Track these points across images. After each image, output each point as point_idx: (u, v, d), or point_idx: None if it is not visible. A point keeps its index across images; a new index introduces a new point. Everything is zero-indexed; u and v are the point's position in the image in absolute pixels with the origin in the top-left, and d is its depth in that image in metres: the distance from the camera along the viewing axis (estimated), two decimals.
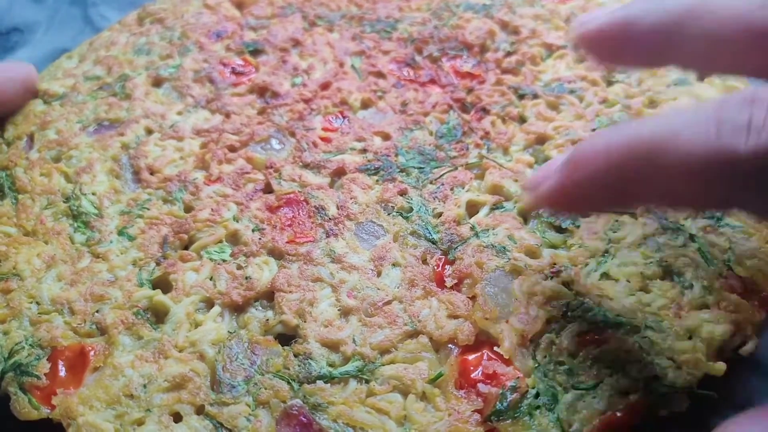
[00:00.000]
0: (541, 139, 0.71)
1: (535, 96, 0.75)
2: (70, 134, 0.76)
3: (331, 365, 0.55)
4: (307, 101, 0.78)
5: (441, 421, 0.51)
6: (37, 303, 0.61)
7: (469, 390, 0.53)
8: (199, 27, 0.89)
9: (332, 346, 0.56)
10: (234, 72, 0.83)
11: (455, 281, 0.59)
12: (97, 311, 0.60)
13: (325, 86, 0.79)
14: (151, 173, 0.71)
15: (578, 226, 0.62)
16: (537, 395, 0.52)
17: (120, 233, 0.66)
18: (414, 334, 0.57)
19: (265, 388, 0.54)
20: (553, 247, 0.61)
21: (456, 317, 0.57)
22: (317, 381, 0.54)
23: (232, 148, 0.73)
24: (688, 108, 0.49)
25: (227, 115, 0.77)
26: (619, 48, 0.53)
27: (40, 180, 0.71)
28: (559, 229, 0.63)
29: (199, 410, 0.54)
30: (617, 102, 0.74)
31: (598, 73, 0.77)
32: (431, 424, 0.51)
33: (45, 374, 0.56)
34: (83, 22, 0.98)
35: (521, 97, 0.76)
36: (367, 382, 0.54)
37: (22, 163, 0.74)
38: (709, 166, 0.42)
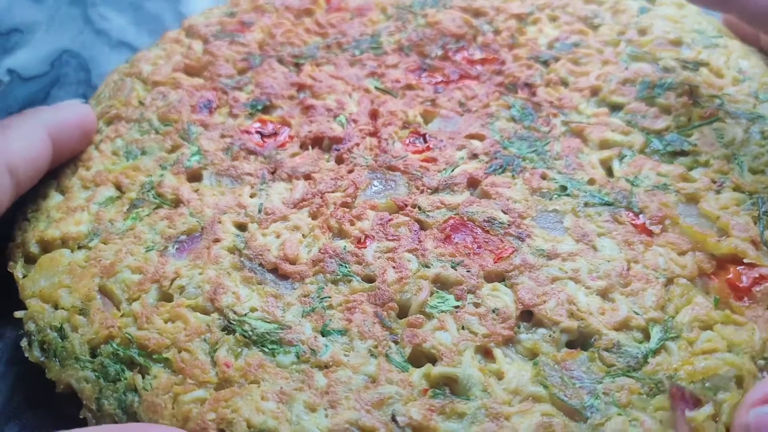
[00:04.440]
0: (595, 91, 0.78)
1: (556, 59, 0.82)
2: (154, 266, 0.62)
3: (639, 342, 0.57)
4: (373, 134, 0.74)
5: (756, 332, 0.56)
6: None
7: (750, 296, 0.58)
8: (175, 107, 0.77)
9: (624, 326, 0.57)
10: (263, 136, 0.75)
11: (660, 226, 0.64)
12: (393, 416, 0.52)
13: (373, 115, 0.76)
14: (291, 263, 0.62)
15: (695, 145, 0.70)
16: None
17: (325, 333, 0.57)
18: (670, 282, 0.60)
19: (617, 392, 0.53)
20: (691, 168, 0.69)
21: (684, 253, 0.62)
22: (647, 361, 0.55)
23: (348, 205, 0.67)
24: None
25: (307, 177, 0.70)
26: None
27: (172, 327, 0.58)
28: (682, 153, 0.70)
29: None
30: (618, 41, 0.83)
31: (578, 24, 0.86)
32: (752, 339, 0.56)
33: None
34: (83, 22, 0.96)
35: (545, 64, 0.81)
36: (678, 337, 0.57)
37: (125, 321, 0.59)
38: None
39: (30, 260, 0.66)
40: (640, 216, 0.65)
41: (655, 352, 0.56)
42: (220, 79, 0.81)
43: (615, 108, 0.76)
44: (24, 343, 0.60)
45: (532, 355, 0.56)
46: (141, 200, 0.68)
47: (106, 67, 0.88)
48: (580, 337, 0.58)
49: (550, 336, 0.57)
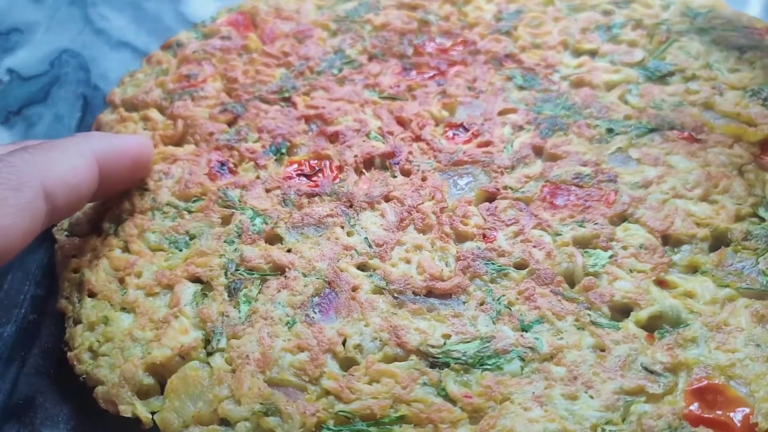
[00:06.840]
0: (565, 45, 0.84)
1: (515, 27, 0.87)
2: (314, 338, 0.56)
3: (759, 224, 0.64)
4: (416, 140, 0.73)
5: None
6: None
7: None
8: (189, 180, 0.69)
9: (739, 217, 0.64)
10: (309, 176, 0.70)
11: (703, 133, 0.72)
12: (647, 368, 0.53)
13: (400, 122, 0.75)
14: (442, 280, 0.60)
15: (675, 65, 0.80)
16: None
17: (526, 329, 0.56)
18: (740, 172, 0.68)
19: None
20: (686, 83, 0.78)
21: (731, 147, 0.70)
22: None
23: (445, 210, 0.66)
24: None
25: (387, 198, 0.67)
26: None
27: (382, 387, 0.53)
28: (670, 74, 0.79)
29: None
30: (551, 0, 0.91)
31: None
32: None
33: None
34: (83, 22, 0.96)
35: (508, 34, 0.86)
36: None
37: (328, 401, 0.52)
38: None
39: (144, 394, 0.55)
40: (683, 130, 0.73)
41: None
42: (214, 137, 0.73)
43: (591, 54, 0.83)
44: None
45: (692, 269, 0.61)
46: (238, 281, 0.60)
47: (105, 67, 0.87)
48: (715, 240, 0.63)
49: (696, 247, 0.62)
